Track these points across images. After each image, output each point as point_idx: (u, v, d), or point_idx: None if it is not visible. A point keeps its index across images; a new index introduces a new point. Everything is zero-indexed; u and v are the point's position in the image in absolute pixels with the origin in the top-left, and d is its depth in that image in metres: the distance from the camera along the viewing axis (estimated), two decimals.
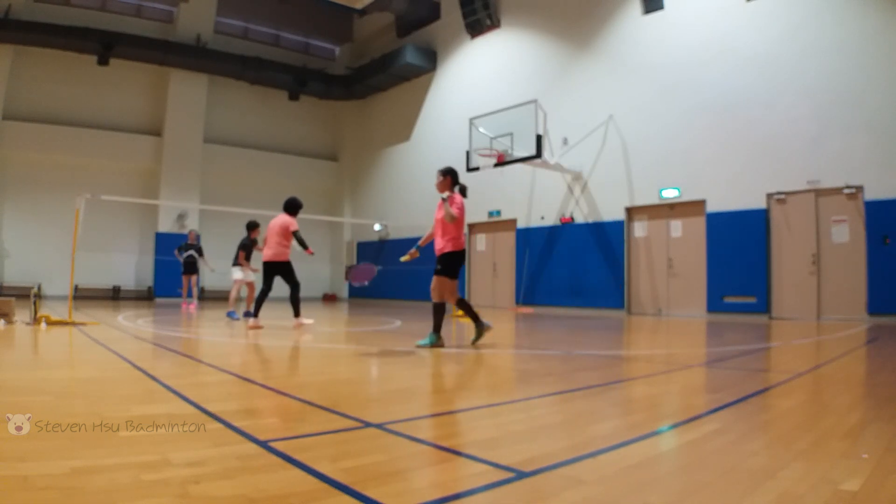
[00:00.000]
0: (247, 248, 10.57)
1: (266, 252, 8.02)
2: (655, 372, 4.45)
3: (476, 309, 5.95)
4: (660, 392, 3.65)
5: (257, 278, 9.76)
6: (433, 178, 18.76)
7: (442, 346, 5.62)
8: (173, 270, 16.72)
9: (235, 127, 20.31)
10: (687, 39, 12.26)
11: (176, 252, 13.13)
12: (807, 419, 2.76)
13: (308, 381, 4.00)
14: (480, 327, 5.80)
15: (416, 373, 4.29)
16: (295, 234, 8.06)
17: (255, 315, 7.92)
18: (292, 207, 8.30)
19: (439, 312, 5.70)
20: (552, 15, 15.05)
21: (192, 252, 12.90)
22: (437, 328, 5.67)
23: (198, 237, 13.79)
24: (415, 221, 17.87)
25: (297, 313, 8.13)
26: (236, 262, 10.78)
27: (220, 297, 17.69)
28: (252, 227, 10.68)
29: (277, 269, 8.03)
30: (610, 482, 1.82)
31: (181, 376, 4.01)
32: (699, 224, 11.92)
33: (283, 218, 8.13)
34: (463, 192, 6.17)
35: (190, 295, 13.14)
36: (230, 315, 10.41)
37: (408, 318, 11.19)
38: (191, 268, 12.90)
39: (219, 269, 13.23)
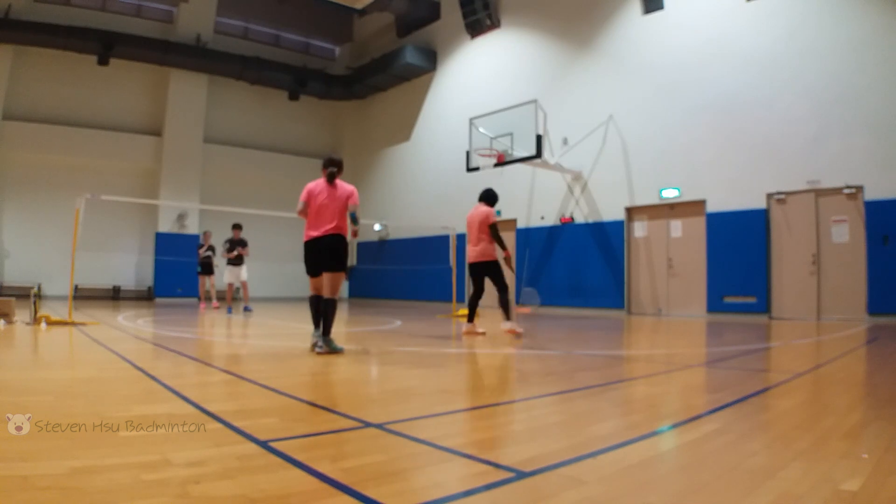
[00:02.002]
0: (230, 246, 11.88)
1: (470, 252, 7.08)
2: (655, 372, 4.45)
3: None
4: (660, 392, 3.65)
5: (266, 275, 10.48)
6: (433, 178, 18.91)
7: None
8: (173, 270, 16.79)
9: (235, 127, 20.30)
10: (687, 39, 12.26)
11: (201, 251, 12.97)
12: (807, 419, 2.76)
13: (308, 381, 4.00)
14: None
15: (416, 373, 4.29)
16: (492, 227, 6.94)
17: (471, 321, 7.11)
18: (490, 198, 7.24)
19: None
20: (552, 15, 15.05)
21: (209, 253, 12.91)
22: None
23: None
24: (415, 221, 17.88)
25: (507, 316, 6.93)
26: (228, 262, 11.54)
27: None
28: (234, 227, 11.99)
29: (485, 269, 6.99)
30: (610, 482, 1.82)
31: (181, 376, 4.01)
32: (699, 224, 11.92)
33: (481, 209, 7.06)
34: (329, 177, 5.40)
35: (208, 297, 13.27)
36: (230, 312, 11.20)
37: (408, 318, 11.20)
38: (208, 268, 12.92)
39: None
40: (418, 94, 19.15)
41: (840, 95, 10.11)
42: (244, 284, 11.82)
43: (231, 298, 11.74)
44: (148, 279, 18.24)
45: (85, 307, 12.13)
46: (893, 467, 1.93)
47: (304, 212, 5.32)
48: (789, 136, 10.65)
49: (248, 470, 1.89)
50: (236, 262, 11.80)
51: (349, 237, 5.33)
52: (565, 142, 14.01)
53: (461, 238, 16.37)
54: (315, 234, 5.23)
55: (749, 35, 11.30)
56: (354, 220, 5.31)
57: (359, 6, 19.51)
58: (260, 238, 12.20)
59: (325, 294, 5.30)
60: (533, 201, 14.83)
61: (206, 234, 13.40)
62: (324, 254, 5.23)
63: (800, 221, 10.61)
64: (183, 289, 16.83)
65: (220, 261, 12.57)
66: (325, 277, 5.27)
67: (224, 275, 11.86)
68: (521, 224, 15.19)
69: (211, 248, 12.98)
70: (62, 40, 16.42)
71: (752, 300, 11.00)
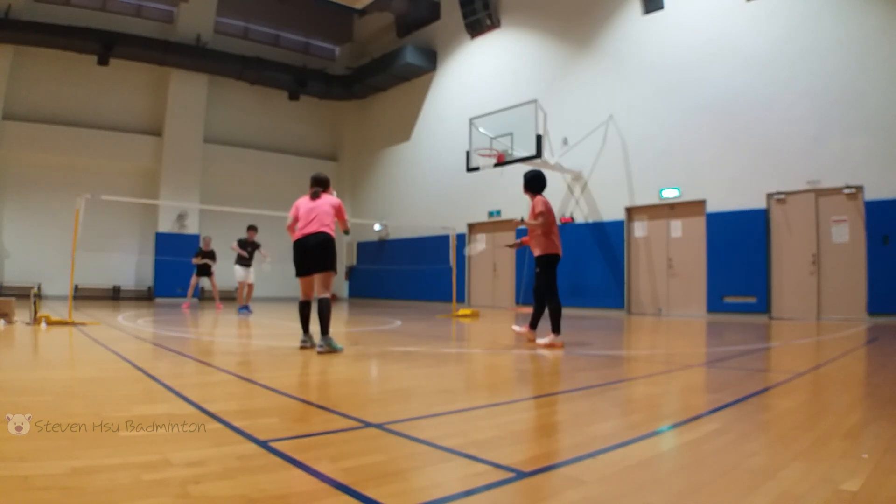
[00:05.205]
0: (241, 246, 12.03)
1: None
2: (655, 372, 4.45)
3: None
4: (660, 392, 3.65)
5: (265, 275, 10.71)
6: (433, 178, 18.96)
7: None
8: (173, 270, 16.76)
9: (235, 127, 20.30)
10: (687, 39, 12.26)
11: (195, 259, 13.03)
12: (807, 419, 2.76)
13: (308, 381, 4.01)
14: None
15: (416, 373, 4.29)
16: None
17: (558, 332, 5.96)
18: (536, 183, 6.23)
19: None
20: (552, 15, 15.05)
21: (206, 260, 13.00)
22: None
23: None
24: (415, 221, 17.88)
25: (545, 326, 6.09)
26: (238, 262, 11.71)
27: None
28: (249, 228, 12.15)
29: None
30: (610, 482, 1.82)
31: (181, 376, 4.01)
32: (699, 224, 11.92)
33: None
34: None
35: (196, 295, 13.35)
36: (241, 311, 11.36)
37: (408, 318, 11.20)
38: (205, 270, 13.02)
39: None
40: (418, 94, 19.15)
41: (840, 95, 10.11)
42: (250, 287, 12.04)
43: (241, 297, 11.93)
44: (148, 279, 18.24)
45: (85, 307, 12.13)
46: (893, 467, 1.93)
47: (291, 227, 5.61)
48: (789, 136, 10.65)
49: (248, 470, 1.89)
50: (246, 263, 11.99)
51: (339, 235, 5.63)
52: (565, 142, 14.01)
53: (461, 238, 16.38)
54: (303, 233, 5.43)
55: (749, 35, 11.30)
56: (346, 233, 5.96)
57: (359, 6, 19.51)
58: (259, 238, 12.33)
59: (319, 293, 5.46)
60: None
61: (205, 239, 13.37)
62: (313, 252, 5.40)
63: (800, 221, 10.61)
64: (183, 289, 16.83)
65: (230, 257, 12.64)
66: (317, 277, 5.45)
67: (236, 274, 12.03)
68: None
69: (209, 255, 12.97)
70: (62, 40, 16.42)
71: (752, 300, 10.99)
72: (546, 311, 6.14)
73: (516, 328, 6.64)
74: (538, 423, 2.85)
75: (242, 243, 12.05)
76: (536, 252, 6.21)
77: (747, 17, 11.38)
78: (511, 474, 1.87)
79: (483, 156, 13.12)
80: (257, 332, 7.93)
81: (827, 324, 9.42)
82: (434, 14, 18.74)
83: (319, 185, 5.67)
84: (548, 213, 6.06)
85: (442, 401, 3.25)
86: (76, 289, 15.08)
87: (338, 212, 5.62)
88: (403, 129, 19.65)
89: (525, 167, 13.49)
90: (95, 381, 3.68)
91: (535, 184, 6.29)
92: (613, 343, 6.95)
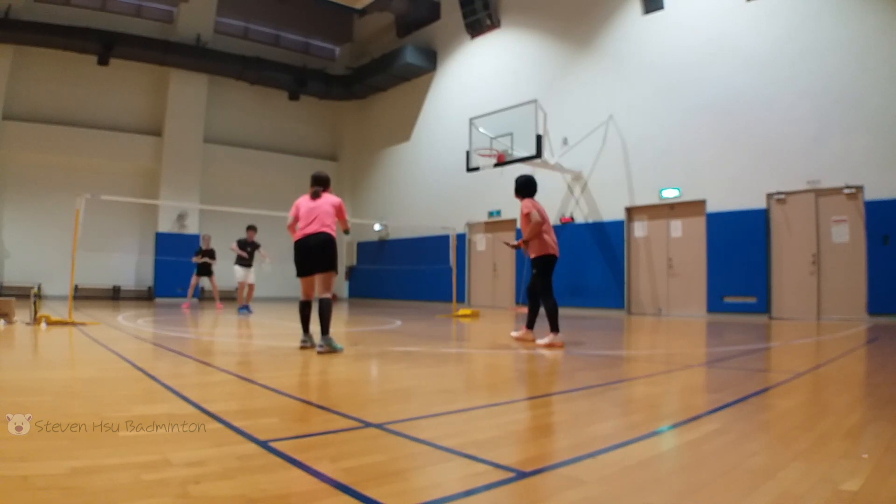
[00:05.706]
0: (240, 246, 12.05)
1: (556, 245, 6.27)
2: (655, 372, 4.45)
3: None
4: (660, 392, 3.65)
5: (265, 275, 10.68)
6: (433, 178, 19.02)
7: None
8: (173, 270, 16.78)
9: (235, 127, 20.30)
10: (687, 39, 12.26)
11: (195, 258, 13.06)
12: (807, 419, 2.76)
13: (308, 381, 4.01)
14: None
15: (416, 373, 4.29)
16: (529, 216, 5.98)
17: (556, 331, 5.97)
18: (526, 188, 6.26)
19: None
20: (552, 15, 15.05)
21: (206, 259, 13.03)
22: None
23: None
24: (415, 221, 17.88)
25: (552, 327, 5.99)
26: (239, 263, 11.74)
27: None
28: (249, 228, 12.17)
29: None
30: (610, 482, 1.82)
31: (181, 376, 4.01)
32: (699, 224, 11.92)
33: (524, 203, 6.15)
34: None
35: (196, 295, 13.37)
36: (241, 311, 11.39)
37: (408, 318, 11.20)
38: (204, 270, 13.04)
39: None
40: (418, 94, 19.15)
41: (840, 95, 10.11)
42: (251, 287, 12.07)
43: (241, 298, 11.95)
44: (148, 279, 18.24)
45: (85, 307, 12.13)
46: (893, 467, 1.93)
47: (292, 226, 5.59)
48: (789, 136, 10.65)
49: (248, 470, 1.89)
50: (246, 263, 11.99)
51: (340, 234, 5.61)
52: (565, 142, 14.00)
53: (461, 238, 16.38)
54: (304, 233, 5.42)
55: (749, 35, 11.30)
56: (346, 233, 5.95)
57: (359, 6, 19.51)
58: (260, 238, 12.35)
59: (320, 293, 5.45)
60: None
61: (205, 237, 13.38)
62: (313, 252, 5.39)
63: (800, 221, 10.61)
64: (183, 289, 16.86)
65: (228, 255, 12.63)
66: (318, 278, 5.44)
67: (235, 274, 12.07)
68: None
69: (209, 253, 12.98)
70: (62, 40, 16.42)
71: (752, 300, 10.99)
72: (543, 311, 6.14)
73: (514, 335, 6.63)
74: (538, 423, 2.85)
75: (242, 243, 12.04)
76: (532, 254, 6.25)
77: (747, 17, 11.38)
78: (511, 474, 1.87)
79: (483, 156, 13.12)
80: (257, 332, 7.93)
81: (827, 324, 9.42)
82: (434, 14, 18.73)
83: (320, 185, 5.66)
84: (539, 214, 6.09)
85: (442, 401, 3.25)
86: (76, 289, 15.08)
87: (338, 211, 5.61)
88: (403, 129, 19.65)
89: (525, 167, 13.50)
90: (95, 381, 3.68)
91: (525, 188, 6.36)
92: (613, 343, 6.95)
